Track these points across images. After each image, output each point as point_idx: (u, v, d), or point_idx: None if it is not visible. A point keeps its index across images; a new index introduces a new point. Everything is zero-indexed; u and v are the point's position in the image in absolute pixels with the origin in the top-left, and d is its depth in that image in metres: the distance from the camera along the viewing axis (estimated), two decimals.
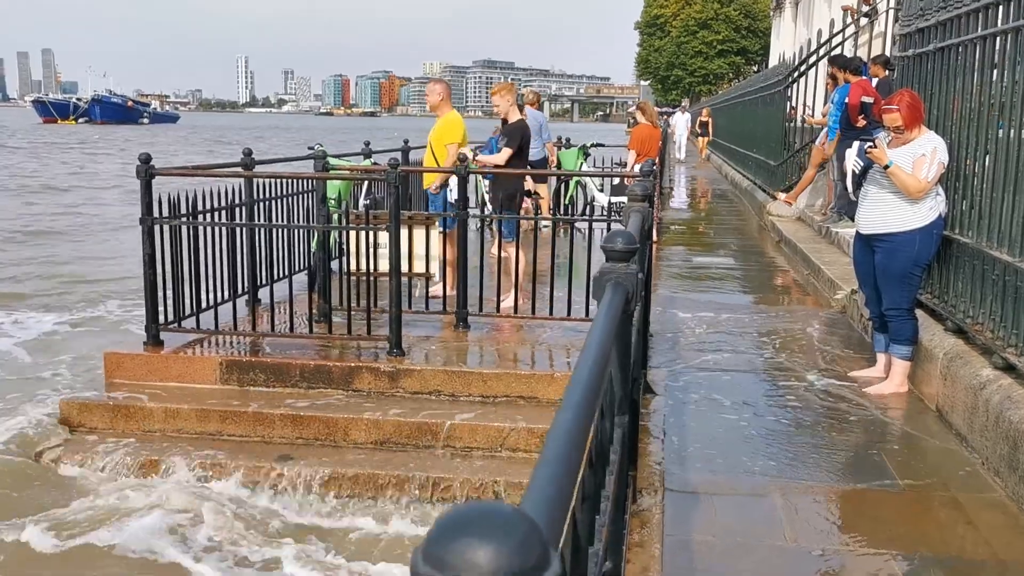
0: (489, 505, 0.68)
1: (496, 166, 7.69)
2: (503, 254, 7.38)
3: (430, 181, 7.91)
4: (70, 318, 10.37)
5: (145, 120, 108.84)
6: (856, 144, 5.55)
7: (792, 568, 3.45)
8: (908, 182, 5.17)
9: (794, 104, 14.29)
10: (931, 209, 5.25)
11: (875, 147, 5.27)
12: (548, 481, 0.94)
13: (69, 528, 4.89)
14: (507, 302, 7.22)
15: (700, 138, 32.22)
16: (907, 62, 6.34)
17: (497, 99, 7.92)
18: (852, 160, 5.59)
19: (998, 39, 4.84)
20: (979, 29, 5.05)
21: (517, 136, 7.60)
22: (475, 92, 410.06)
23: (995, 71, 4.89)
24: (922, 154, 5.18)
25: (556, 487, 0.94)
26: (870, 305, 5.77)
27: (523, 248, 7.29)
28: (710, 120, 31.14)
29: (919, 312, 5.55)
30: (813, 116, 13.34)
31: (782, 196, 13.12)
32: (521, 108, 8.27)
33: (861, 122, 9.75)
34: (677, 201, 18.13)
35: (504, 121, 7.92)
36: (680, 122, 32.55)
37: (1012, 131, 4.62)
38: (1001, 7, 4.75)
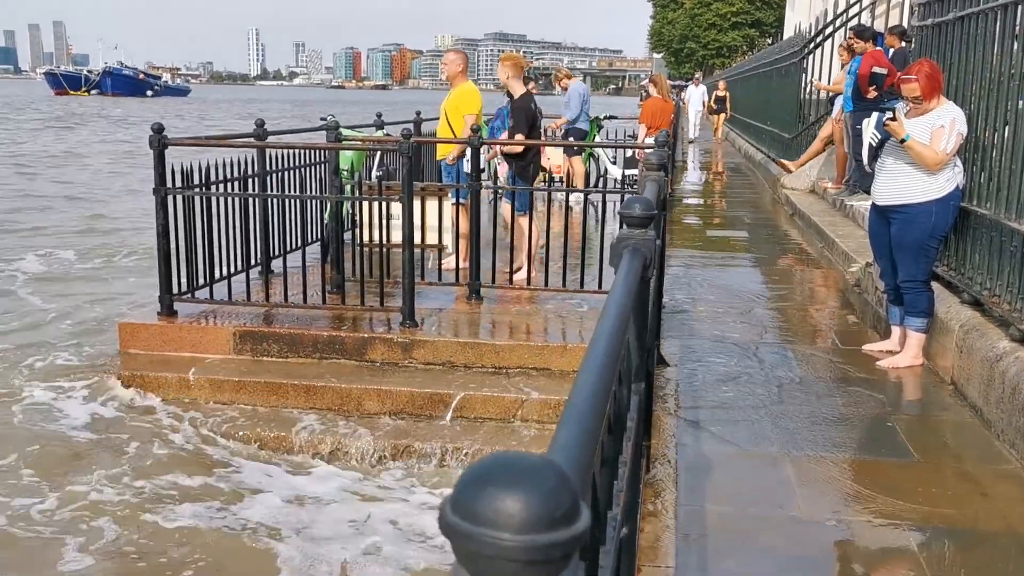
0: (518, 455, 0.67)
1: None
2: (515, 227, 7.36)
3: (445, 152, 7.86)
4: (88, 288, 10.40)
5: (150, 93, 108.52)
6: (875, 115, 5.46)
7: (805, 538, 3.45)
8: (926, 154, 5.11)
9: (810, 77, 14.14)
10: (948, 180, 5.20)
11: (894, 119, 5.20)
12: (572, 439, 0.94)
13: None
14: (520, 274, 7.20)
15: (716, 115, 28.10)
16: (926, 32, 6.25)
17: (499, 70, 7.86)
18: (870, 132, 5.52)
19: (1020, 7, 4.77)
20: None
21: (523, 117, 7.56)
22: (487, 65, 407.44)
23: (1016, 41, 4.82)
24: (940, 125, 5.11)
25: (579, 446, 0.93)
26: (885, 277, 5.73)
27: (536, 220, 7.27)
28: (727, 95, 27.34)
29: (934, 284, 5.51)
30: (823, 82, 13.21)
31: (787, 162, 13.13)
32: (527, 81, 8.20)
33: (872, 93, 9.64)
34: (690, 177, 18.02)
35: (509, 95, 7.88)
36: (695, 96, 27.90)
37: None
38: None
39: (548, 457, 0.69)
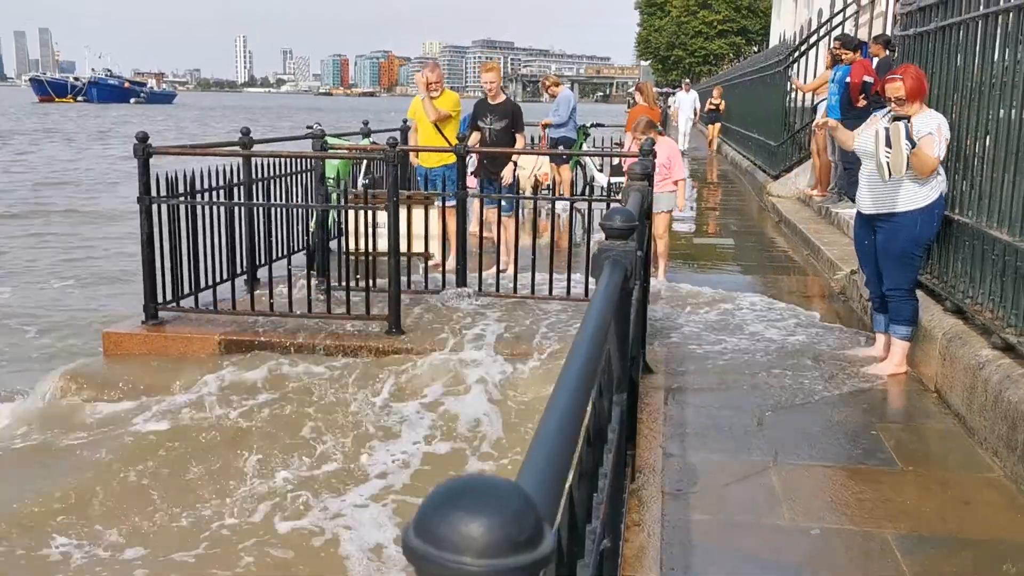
0: (483, 479, 0.67)
1: (492, 145, 7.89)
2: (502, 229, 7.42)
3: (436, 161, 8.04)
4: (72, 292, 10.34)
5: (134, 100, 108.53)
6: (881, 131, 5.28)
7: (790, 547, 3.45)
8: (929, 161, 5.06)
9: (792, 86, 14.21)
10: (932, 189, 5.23)
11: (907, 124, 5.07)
12: (544, 458, 0.94)
13: None
14: (509, 270, 7.28)
15: (710, 126, 25.28)
16: (908, 41, 6.30)
17: (493, 75, 8.07)
18: (901, 141, 5.31)
19: (999, 18, 4.81)
20: (980, 8, 5.01)
21: (520, 118, 7.96)
22: (474, 72, 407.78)
23: (996, 51, 4.86)
24: (928, 132, 5.12)
25: (551, 464, 0.93)
26: (870, 285, 5.76)
27: (510, 219, 7.44)
28: (722, 103, 24.26)
29: (919, 292, 5.54)
30: (803, 84, 13.24)
31: (814, 193, 12.29)
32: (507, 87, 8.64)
33: (862, 102, 9.70)
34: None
35: (486, 97, 8.13)
36: (685, 103, 24.98)
37: (1013, 111, 4.59)
38: None
39: (514, 481, 0.69)
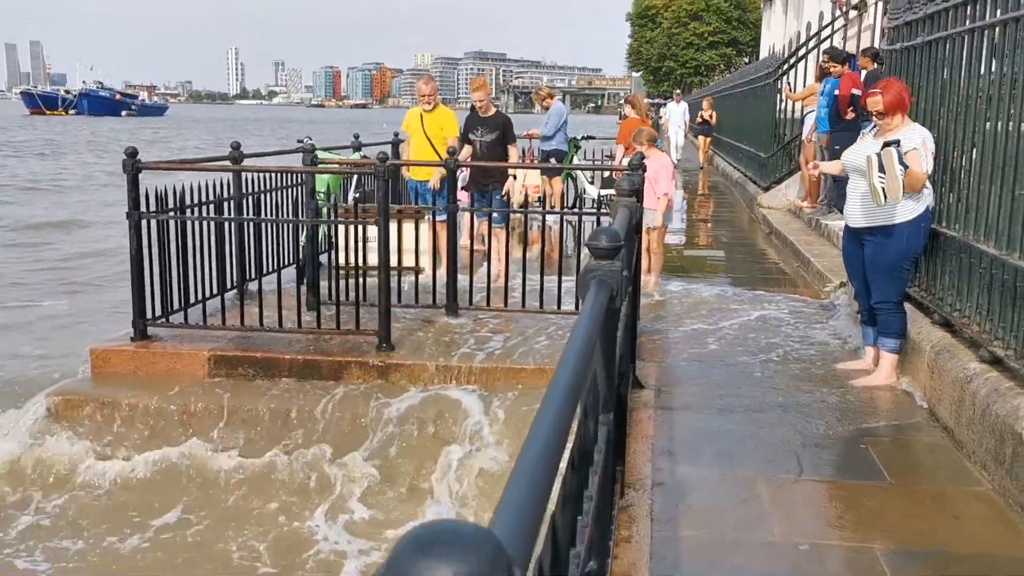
0: (453, 524, 0.67)
1: (482, 158, 7.95)
2: (493, 240, 7.42)
3: (427, 175, 8.08)
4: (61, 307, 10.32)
5: (125, 113, 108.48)
6: (874, 157, 5.26)
7: (779, 562, 3.45)
8: (920, 178, 5.09)
9: (784, 96, 14.29)
10: (919, 202, 5.25)
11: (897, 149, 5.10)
12: (522, 489, 0.93)
13: None
14: (500, 280, 7.28)
15: (701, 138, 24.84)
16: (895, 55, 6.34)
17: (483, 94, 8.15)
18: (894, 165, 5.30)
19: (986, 33, 4.84)
20: (967, 23, 5.05)
21: (511, 129, 8.04)
22: (466, 84, 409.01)
23: (983, 64, 4.89)
24: (913, 147, 5.14)
25: (530, 495, 0.93)
26: (859, 298, 5.78)
27: (502, 230, 7.48)
28: (712, 114, 23.70)
29: (907, 305, 5.56)
30: (793, 92, 13.30)
31: (804, 204, 12.31)
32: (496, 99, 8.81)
33: (850, 114, 9.76)
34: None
35: (476, 110, 8.19)
36: (676, 114, 24.66)
37: (999, 124, 4.62)
38: (989, 1, 4.75)
39: (481, 528, 0.69)
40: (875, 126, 5.39)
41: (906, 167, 5.05)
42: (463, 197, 8.19)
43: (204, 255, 6.65)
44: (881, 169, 5.07)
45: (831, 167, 6.08)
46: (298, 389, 5.98)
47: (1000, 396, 4.12)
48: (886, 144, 5.09)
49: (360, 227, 6.51)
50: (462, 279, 7.14)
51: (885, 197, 5.09)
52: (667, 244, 11.37)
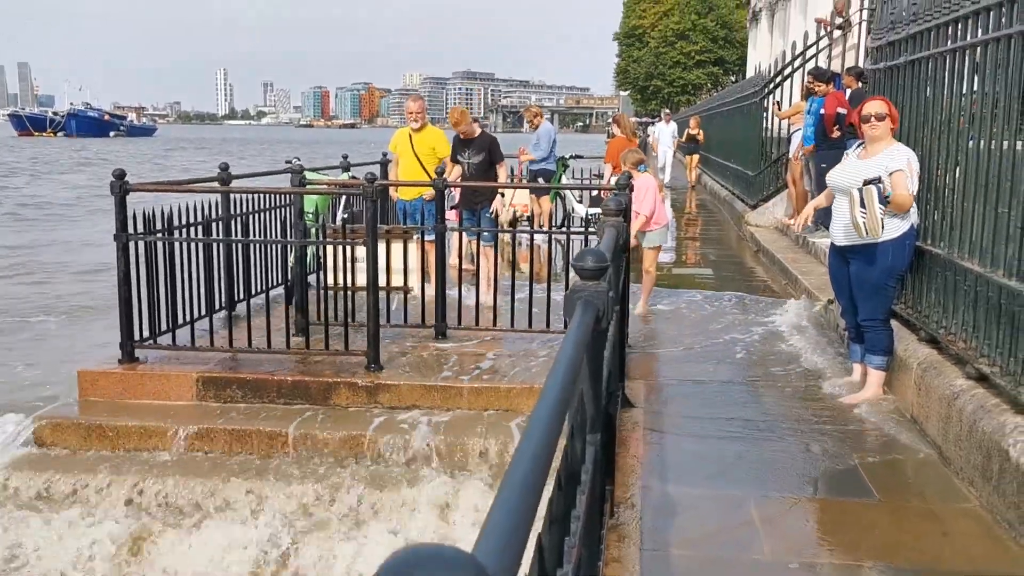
0: (436, 549, 0.67)
1: (471, 179, 7.97)
2: (482, 259, 7.44)
3: (417, 194, 8.13)
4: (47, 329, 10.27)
5: (113, 134, 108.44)
6: (855, 192, 5.21)
7: None
8: (906, 201, 5.16)
9: (771, 116, 14.39)
10: (904, 220, 5.29)
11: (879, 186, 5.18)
12: (507, 511, 0.94)
13: None
14: (489, 298, 7.28)
15: (689, 156, 24.15)
16: (879, 74, 6.40)
17: (464, 126, 8.31)
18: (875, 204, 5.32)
19: (967, 52, 4.90)
20: (948, 43, 5.11)
21: (497, 149, 8.10)
22: (455, 103, 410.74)
23: (965, 84, 4.95)
24: (899, 169, 5.19)
25: (515, 518, 0.94)
26: (846, 315, 5.81)
27: (491, 248, 7.50)
28: (700, 133, 23.24)
29: (894, 322, 5.59)
30: (781, 109, 13.39)
31: (791, 222, 12.33)
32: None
33: (836, 133, 9.83)
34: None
35: (462, 136, 8.27)
36: (665, 134, 23.98)
37: (981, 143, 4.67)
38: (971, 21, 4.81)
39: (464, 552, 0.69)
40: (860, 144, 5.43)
41: (886, 204, 5.12)
42: (452, 216, 8.22)
43: (192, 276, 6.64)
44: (863, 205, 5.13)
45: (820, 201, 6.12)
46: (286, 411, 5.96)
47: (986, 413, 4.14)
48: (867, 182, 5.14)
49: (348, 247, 6.52)
50: (451, 298, 7.15)
51: (866, 231, 5.16)
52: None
